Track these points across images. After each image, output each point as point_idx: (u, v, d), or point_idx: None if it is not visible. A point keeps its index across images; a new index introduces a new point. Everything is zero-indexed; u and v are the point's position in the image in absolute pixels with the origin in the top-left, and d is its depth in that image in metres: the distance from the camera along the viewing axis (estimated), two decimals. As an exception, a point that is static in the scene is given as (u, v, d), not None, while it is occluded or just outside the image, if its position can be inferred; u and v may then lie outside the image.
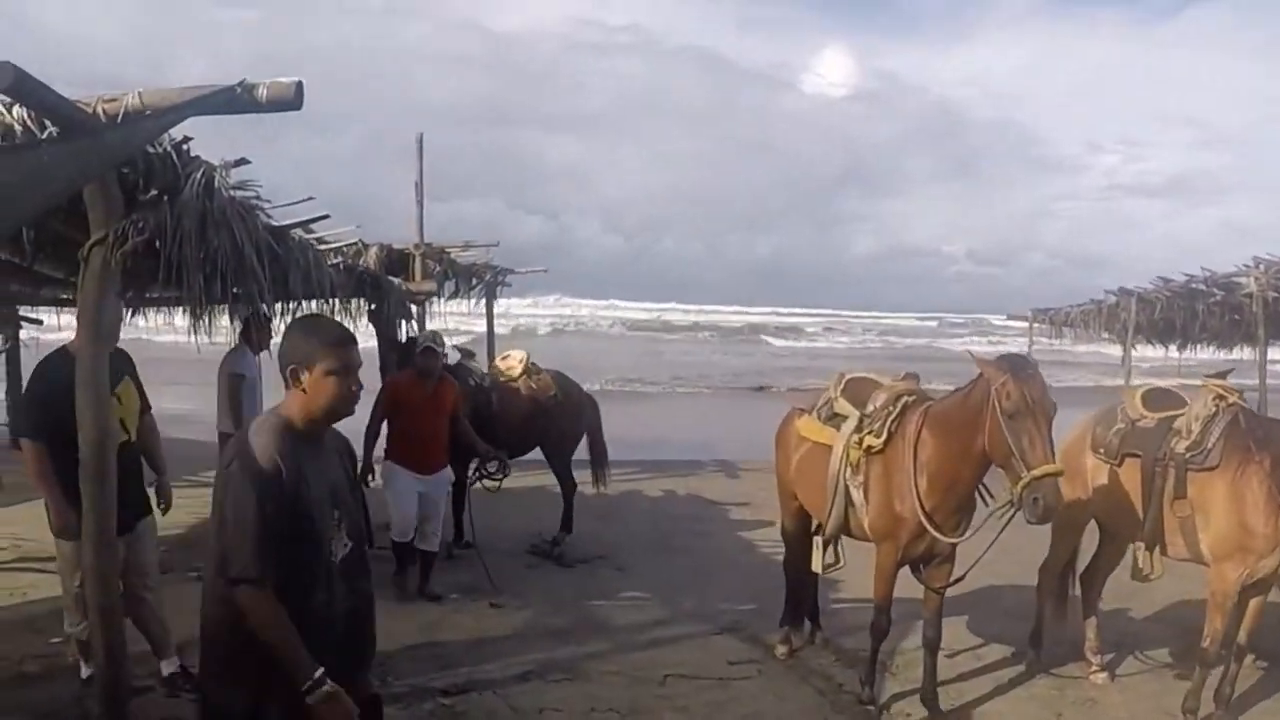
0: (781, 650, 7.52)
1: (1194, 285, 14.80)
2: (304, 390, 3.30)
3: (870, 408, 6.48)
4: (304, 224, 7.32)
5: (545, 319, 53.03)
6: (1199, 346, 18.23)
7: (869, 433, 6.37)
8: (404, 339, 10.77)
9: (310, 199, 7.32)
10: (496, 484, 9.56)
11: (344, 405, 3.39)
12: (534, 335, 46.00)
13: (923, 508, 6.03)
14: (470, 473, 9.62)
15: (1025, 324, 20.24)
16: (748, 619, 8.20)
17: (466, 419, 9.19)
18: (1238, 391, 6.49)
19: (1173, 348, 18.54)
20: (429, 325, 13.63)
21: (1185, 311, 15.52)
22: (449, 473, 9.22)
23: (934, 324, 64.67)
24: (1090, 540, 7.50)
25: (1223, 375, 6.63)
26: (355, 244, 10.70)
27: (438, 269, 13.97)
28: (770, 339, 55.28)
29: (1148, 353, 19.43)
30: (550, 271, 19.76)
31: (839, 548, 6.84)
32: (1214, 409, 6.30)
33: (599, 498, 11.44)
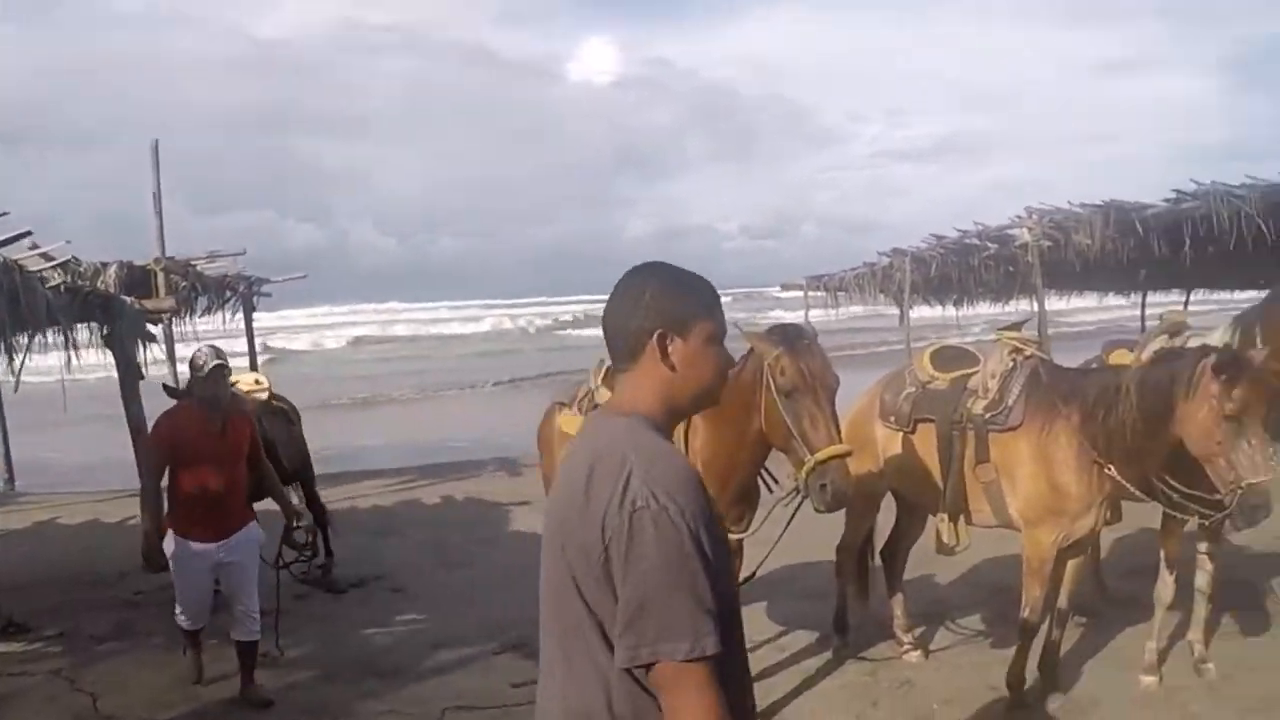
0: None
1: (967, 240, 14.80)
2: (673, 366, 2.26)
3: None
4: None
5: (331, 329, 51.85)
6: (976, 302, 18.40)
7: None
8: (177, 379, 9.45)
9: (5, 214, 6.33)
10: (305, 561, 8.33)
11: (720, 389, 2.40)
12: (323, 348, 44.98)
13: None
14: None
15: (801, 293, 19.80)
16: (531, 633, 7.45)
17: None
18: (1035, 342, 6.08)
19: (950, 305, 18.74)
20: (178, 348, 12.68)
21: (960, 267, 15.40)
22: (256, 530, 6.70)
23: (728, 299, 65.21)
24: (889, 512, 7.05)
25: (1017, 326, 6.19)
26: (72, 262, 9.63)
27: (183, 284, 12.99)
28: (567, 330, 54.33)
29: (926, 312, 19.54)
30: (326, 278, 19.04)
31: None
32: (1011, 363, 5.84)
33: (375, 511, 10.59)
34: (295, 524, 7.04)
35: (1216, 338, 5.88)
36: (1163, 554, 5.97)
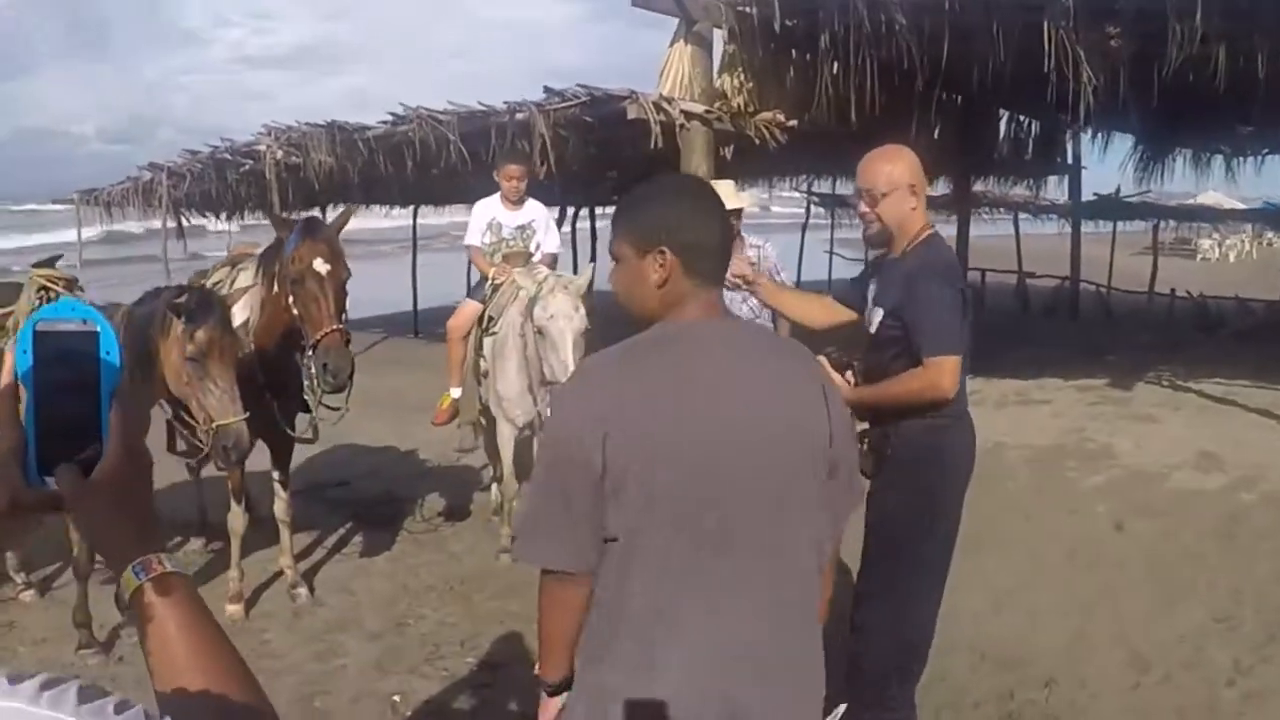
0: None
1: (219, 155, 14.64)
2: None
3: None
4: None
5: None
6: (246, 214, 18.25)
7: None
8: None
9: None
10: None
11: None
12: None
13: None
14: None
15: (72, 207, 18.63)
16: None
17: None
18: (67, 279, 5.86)
19: (224, 218, 18.62)
20: None
21: (218, 182, 15.22)
22: None
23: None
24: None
25: (50, 263, 5.92)
26: None
27: None
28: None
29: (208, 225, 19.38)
30: None
31: None
32: (38, 302, 5.52)
33: None
34: None
35: (246, 275, 6.00)
36: (229, 484, 6.05)
